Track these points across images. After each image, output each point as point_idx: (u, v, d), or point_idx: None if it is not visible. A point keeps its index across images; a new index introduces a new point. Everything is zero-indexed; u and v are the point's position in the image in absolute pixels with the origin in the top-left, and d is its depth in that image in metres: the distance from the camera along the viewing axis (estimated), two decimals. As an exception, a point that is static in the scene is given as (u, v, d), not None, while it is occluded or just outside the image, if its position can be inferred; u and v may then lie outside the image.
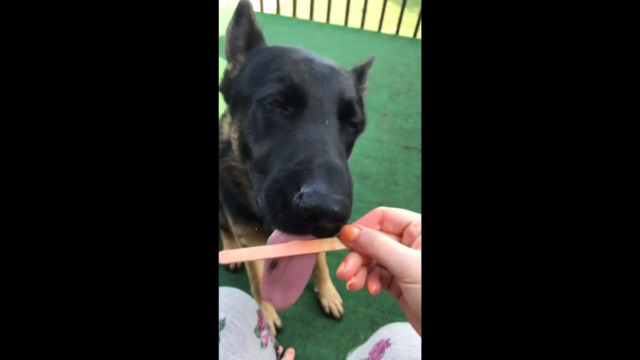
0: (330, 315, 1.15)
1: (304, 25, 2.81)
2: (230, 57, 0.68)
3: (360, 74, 0.75)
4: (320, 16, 2.87)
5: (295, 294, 0.41)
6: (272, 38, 0.65)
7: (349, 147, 0.59)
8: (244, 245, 0.96)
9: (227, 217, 1.01)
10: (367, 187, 1.58)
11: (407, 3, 2.81)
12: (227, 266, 1.25)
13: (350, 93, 0.56)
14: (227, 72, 0.68)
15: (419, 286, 0.30)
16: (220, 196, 0.82)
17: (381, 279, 0.38)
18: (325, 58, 0.62)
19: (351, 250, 0.37)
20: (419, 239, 0.35)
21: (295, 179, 0.40)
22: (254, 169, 0.52)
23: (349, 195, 0.40)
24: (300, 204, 0.37)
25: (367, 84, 0.80)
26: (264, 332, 0.62)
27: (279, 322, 1.13)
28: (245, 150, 0.55)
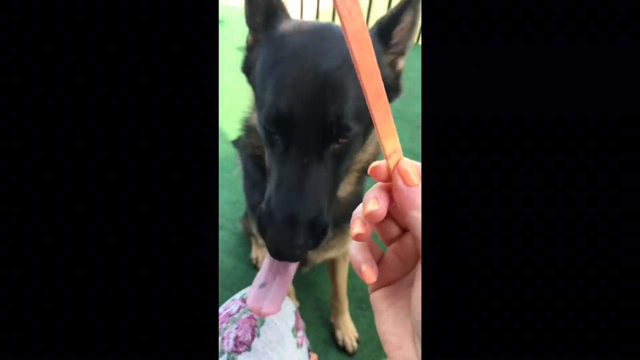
0: (342, 349, 1.03)
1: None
2: (251, 29, 0.60)
3: (386, 32, 0.57)
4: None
5: (281, 302, 0.53)
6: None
7: (341, 161, 0.53)
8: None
9: (251, 222, 0.91)
10: (396, 206, 1.46)
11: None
12: (255, 264, 1.25)
13: (340, 108, 0.48)
14: (248, 47, 0.61)
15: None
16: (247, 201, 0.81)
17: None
18: (334, 52, 0.49)
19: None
20: None
21: (265, 220, 0.50)
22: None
23: (314, 237, 0.49)
24: (265, 243, 0.51)
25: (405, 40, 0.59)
26: (300, 333, 0.62)
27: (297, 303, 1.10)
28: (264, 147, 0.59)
